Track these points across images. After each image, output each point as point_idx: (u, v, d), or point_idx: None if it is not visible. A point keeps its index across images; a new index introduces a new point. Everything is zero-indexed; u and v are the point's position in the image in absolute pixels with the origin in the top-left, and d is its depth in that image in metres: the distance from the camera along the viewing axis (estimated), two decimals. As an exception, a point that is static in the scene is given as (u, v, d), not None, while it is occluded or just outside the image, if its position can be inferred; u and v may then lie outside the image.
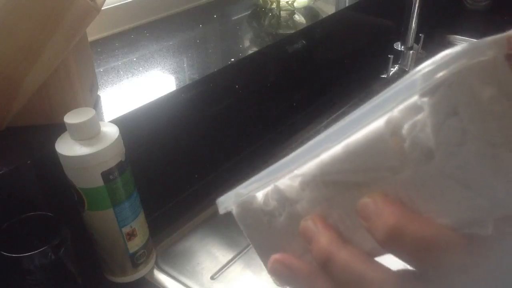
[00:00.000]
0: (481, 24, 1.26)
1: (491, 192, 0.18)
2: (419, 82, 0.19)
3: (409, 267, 0.21)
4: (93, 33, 0.81)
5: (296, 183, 0.25)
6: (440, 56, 0.18)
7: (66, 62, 0.56)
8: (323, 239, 0.23)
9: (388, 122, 0.20)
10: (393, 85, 0.20)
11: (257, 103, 0.85)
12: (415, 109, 0.19)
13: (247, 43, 0.85)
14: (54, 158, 0.51)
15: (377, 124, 0.21)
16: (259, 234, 0.27)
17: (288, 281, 0.26)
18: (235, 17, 0.95)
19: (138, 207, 0.58)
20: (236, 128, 0.82)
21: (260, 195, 0.27)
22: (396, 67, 1.07)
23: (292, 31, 0.87)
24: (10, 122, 0.58)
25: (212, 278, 0.66)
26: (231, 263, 0.68)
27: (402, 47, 1.06)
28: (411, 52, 1.06)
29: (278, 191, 0.26)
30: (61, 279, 0.52)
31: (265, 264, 0.27)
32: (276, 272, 0.26)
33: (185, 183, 0.77)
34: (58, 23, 0.52)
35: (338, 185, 0.23)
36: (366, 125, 0.21)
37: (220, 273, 0.67)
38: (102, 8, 0.55)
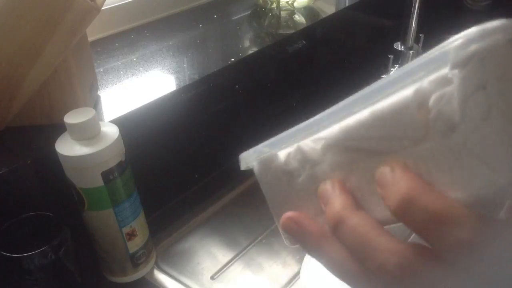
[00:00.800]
0: (481, 24, 1.26)
1: (510, 171, 0.18)
2: (452, 53, 0.19)
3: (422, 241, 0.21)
4: (93, 33, 0.81)
5: (318, 146, 0.25)
6: (474, 29, 0.18)
7: (66, 62, 0.56)
8: (338, 202, 0.24)
9: (416, 92, 0.20)
10: (424, 55, 0.20)
11: (257, 103, 0.85)
12: (445, 81, 0.19)
13: (247, 43, 0.85)
14: (54, 158, 0.51)
15: (405, 93, 0.21)
16: (276, 192, 0.28)
17: (299, 240, 0.27)
18: (235, 17, 0.95)
19: (138, 207, 0.58)
20: (236, 128, 0.82)
21: (282, 154, 0.27)
22: (396, 67, 1.07)
23: (292, 31, 0.87)
24: (10, 122, 0.58)
25: (212, 278, 0.66)
26: (231, 263, 0.68)
27: (402, 47, 1.06)
28: (411, 52, 1.06)
29: (300, 152, 0.26)
30: (61, 279, 0.52)
31: (278, 221, 0.27)
32: (288, 229, 0.27)
33: (185, 183, 0.77)
34: (58, 23, 0.52)
35: (360, 152, 0.23)
36: (394, 93, 0.21)
37: (220, 273, 0.67)
38: (102, 8, 0.55)
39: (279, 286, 0.65)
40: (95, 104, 0.65)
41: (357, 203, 0.24)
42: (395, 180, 0.21)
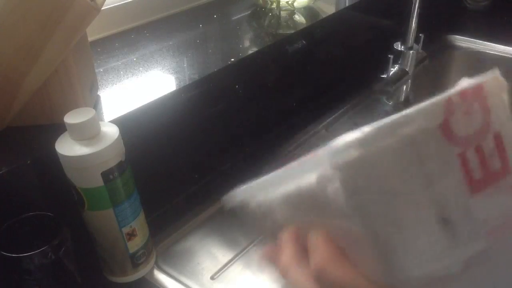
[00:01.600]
0: (481, 24, 1.26)
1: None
2: (330, 157, 0.22)
3: None
4: (93, 33, 0.81)
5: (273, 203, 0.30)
6: (345, 139, 0.21)
7: (66, 62, 0.56)
8: (285, 254, 0.30)
9: (317, 181, 0.24)
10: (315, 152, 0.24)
11: (257, 103, 0.85)
12: (331, 176, 0.22)
13: (247, 43, 0.85)
14: (54, 158, 0.51)
15: (311, 179, 0.24)
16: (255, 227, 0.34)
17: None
18: (235, 17, 0.95)
19: (138, 207, 0.58)
20: (236, 128, 0.82)
21: (253, 203, 0.33)
22: (396, 67, 1.07)
23: (292, 31, 0.87)
24: (10, 122, 0.59)
25: (212, 278, 0.66)
26: (231, 263, 0.68)
27: (402, 47, 1.06)
28: (411, 52, 1.06)
29: (263, 205, 0.31)
30: (61, 279, 0.52)
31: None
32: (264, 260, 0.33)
33: (185, 183, 0.77)
34: (58, 23, 0.52)
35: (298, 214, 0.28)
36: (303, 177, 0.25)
37: (220, 273, 0.67)
38: (102, 8, 0.55)
39: (279, 286, 0.65)
40: (95, 104, 0.65)
41: (302, 253, 0.28)
42: (315, 248, 0.26)
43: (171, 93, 0.67)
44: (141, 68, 0.73)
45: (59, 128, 0.53)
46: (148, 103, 0.64)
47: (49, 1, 0.51)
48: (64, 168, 0.52)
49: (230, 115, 0.80)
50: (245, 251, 0.70)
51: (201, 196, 0.76)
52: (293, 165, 0.28)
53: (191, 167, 0.77)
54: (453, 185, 0.21)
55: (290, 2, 0.95)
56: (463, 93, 0.21)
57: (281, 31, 0.89)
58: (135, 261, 0.59)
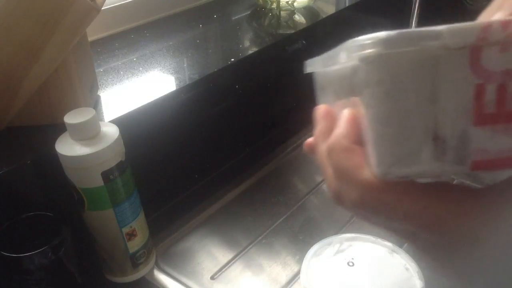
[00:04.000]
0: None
1: (375, 161, 0.23)
2: (358, 50, 0.23)
3: None
4: (93, 33, 0.81)
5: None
6: (374, 35, 0.22)
7: (66, 62, 0.56)
8: (317, 129, 0.29)
9: (350, 66, 0.25)
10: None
11: (257, 103, 0.85)
12: (355, 67, 0.24)
13: (247, 43, 0.85)
14: (54, 158, 0.51)
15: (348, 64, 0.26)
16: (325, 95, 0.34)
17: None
18: (235, 17, 0.95)
19: (138, 207, 0.58)
20: (236, 128, 0.82)
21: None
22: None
23: (292, 31, 0.87)
24: (10, 122, 0.59)
25: (212, 278, 0.66)
26: (231, 263, 0.68)
27: (402, 47, 1.06)
28: (411, 52, 1.05)
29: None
30: (61, 279, 0.52)
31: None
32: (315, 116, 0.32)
33: (185, 183, 0.77)
34: (58, 23, 0.52)
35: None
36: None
37: (220, 273, 0.67)
38: (102, 8, 0.55)
39: (279, 286, 0.65)
40: (95, 104, 0.65)
41: (331, 129, 0.27)
42: (337, 126, 0.26)
43: (171, 93, 0.67)
44: (141, 68, 0.73)
45: (59, 128, 0.53)
46: (148, 103, 0.64)
47: (49, 1, 0.51)
48: (64, 168, 0.52)
49: (230, 115, 0.80)
50: (245, 251, 0.70)
51: (201, 196, 0.76)
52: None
53: (191, 167, 0.77)
54: (459, 110, 0.21)
55: (290, 2, 0.95)
56: (505, 23, 0.20)
57: (281, 31, 0.89)
58: (135, 261, 0.59)
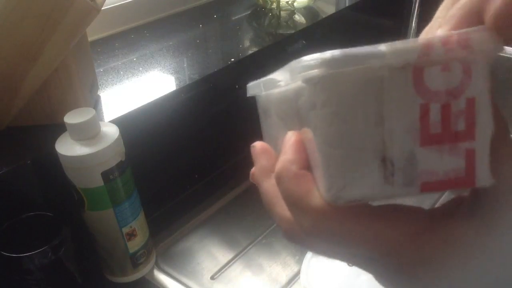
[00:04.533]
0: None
1: (324, 185, 0.23)
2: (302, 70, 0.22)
3: None
4: (93, 33, 0.81)
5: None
6: (315, 56, 0.21)
7: (66, 62, 0.56)
8: (256, 165, 0.28)
9: (295, 89, 0.24)
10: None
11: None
12: (302, 88, 0.23)
13: (247, 43, 0.85)
14: (54, 158, 0.51)
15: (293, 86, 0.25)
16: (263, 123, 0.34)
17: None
18: (235, 17, 0.95)
19: (138, 207, 0.58)
20: (236, 128, 0.82)
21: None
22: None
23: (292, 31, 0.87)
24: (10, 122, 0.59)
25: (212, 278, 0.66)
26: (231, 263, 0.68)
27: (402, 47, 1.06)
28: (411, 52, 1.06)
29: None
30: (61, 279, 0.52)
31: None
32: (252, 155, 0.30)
33: (185, 183, 0.77)
34: (58, 23, 0.52)
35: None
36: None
37: (220, 273, 0.67)
38: (102, 8, 0.55)
39: (279, 286, 0.65)
40: (95, 104, 0.65)
41: (271, 167, 0.27)
42: (283, 149, 0.25)
43: (171, 93, 0.67)
44: (141, 68, 0.73)
45: (59, 128, 0.53)
46: (148, 103, 0.64)
47: (49, 1, 0.51)
48: (64, 168, 0.52)
49: (230, 115, 0.80)
50: (245, 251, 0.70)
51: (201, 196, 0.76)
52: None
53: (191, 167, 0.77)
54: (405, 130, 0.21)
55: (290, 2, 0.95)
56: (445, 40, 0.20)
57: (281, 31, 0.89)
58: (135, 261, 0.59)
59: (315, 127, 0.22)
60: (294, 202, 0.24)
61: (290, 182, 0.24)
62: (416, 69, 0.20)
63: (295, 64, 0.22)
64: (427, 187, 0.21)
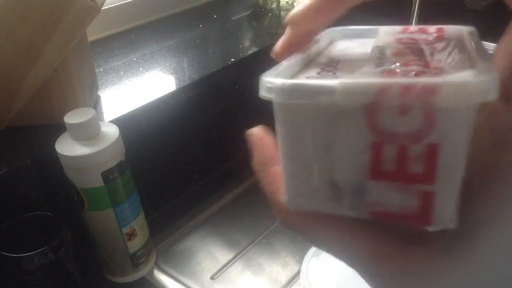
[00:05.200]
0: (481, 24, 1.26)
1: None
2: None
3: None
4: (93, 33, 0.81)
5: None
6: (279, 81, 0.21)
7: (66, 62, 0.56)
8: (255, 156, 0.28)
9: None
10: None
11: (257, 103, 0.85)
12: None
13: (247, 43, 0.85)
14: (54, 158, 0.51)
15: None
16: None
17: None
18: (235, 17, 0.95)
19: (138, 207, 0.58)
20: (236, 128, 0.82)
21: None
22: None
23: (292, 31, 0.87)
24: (10, 122, 0.59)
25: (212, 278, 0.66)
26: (231, 263, 0.68)
27: (402, 47, 1.06)
28: (411, 52, 1.05)
29: None
30: (61, 279, 0.52)
31: None
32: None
33: (185, 183, 0.77)
34: (58, 23, 0.52)
35: None
36: None
37: (220, 273, 0.67)
38: (102, 8, 0.55)
39: (279, 286, 0.65)
40: (95, 104, 0.65)
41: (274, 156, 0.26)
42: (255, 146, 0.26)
43: (171, 93, 0.67)
44: (141, 68, 0.73)
45: (59, 128, 0.53)
46: (148, 103, 0.64)
47: (49, 1, 0.51)
48: (64, 168, 0.52)
49: (230, 115, 0.80)
50: (245, 251, 0.70)
51: (201, 196, 0.76)
52: None
53: (191, 167, 0.77)
54: (353, 164, 0.20)
55: (290, 2, 0.95)
56: (406, 88, 0.18)
57: (281, 31, 0.89)
58: (135, 261, 0.59)
59: (278, 136, 0.22)
60: (269, 197, 0.25)
61: (265, 179, 0.25)
62: (370, 110, 0.19)
63: (262, 77, 0.22)
64: (376, 215, 0.21)
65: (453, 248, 0.20)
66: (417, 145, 0.19)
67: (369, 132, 0.19)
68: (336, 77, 0.22)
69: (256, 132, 0.28)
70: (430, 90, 0.17)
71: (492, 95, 0.17)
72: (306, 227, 0.23)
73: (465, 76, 0.18)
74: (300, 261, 0.66)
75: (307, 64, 0.27)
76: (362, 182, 0.20)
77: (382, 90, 0.18)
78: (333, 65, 0.25)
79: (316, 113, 0.20)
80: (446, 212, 0.20)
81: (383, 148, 0.20)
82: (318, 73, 0.24)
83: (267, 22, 0.93)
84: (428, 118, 0.18)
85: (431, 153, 0.19)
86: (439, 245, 0.20)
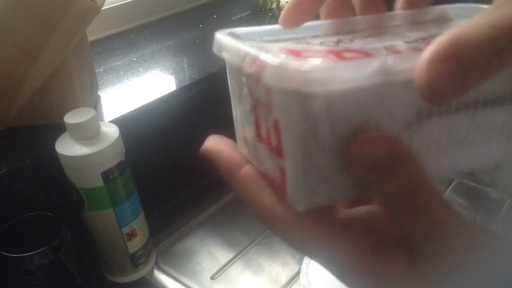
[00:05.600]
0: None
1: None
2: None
3: None
4: (93, 33, 0.81)
5: None
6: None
7: (66, 62, 0.56)
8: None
9: None
10: None
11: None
12: None
13: (247, 43, 0.85)
14: (54, 158, 0.51)
15: None
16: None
17: None
18: (235, 17, 0.95)
19: (138, 207, 0.58)
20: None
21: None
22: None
23: (292, 31, 0.87)
24: (10, 122, 0.59)
25: (212, 278, 0.66)
26: (231, 263, 0.68)
27: (402, 47, 1.06)
28: (411, 52, 1.05)
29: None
30: (61, 279, 0.52)
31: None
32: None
33: (185, 183, 0.77)
34: (58, 23, 0.52)
35: None
36: None
37: (220, 273, 0.67)
38: (102, 8, 0.55)
39: (279, 286, 0.65)
40: (95, 104, 0.65)
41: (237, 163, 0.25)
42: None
43: (171, 93, 0.67)
44: (141, 68, 0.73)
45: (59, 128, 0.53)
46: (148, 103, 0.64)
47: (49, 1, 0.51)
48: (64, 168, 0.52)
49: (230, 115, 0.80)
50: (245, 251, 0.70)
51: (201, 196, 0.76)
52: None
53: (191, 167, 0.77)
54: (247, 122, 0.23)
55: (290, 2, 0.95)
56: (254, 59, 0.18)
57: (281, 31, 0.89)
58: (135, 261, 0.59)
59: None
60: (250, 201, 0.24)
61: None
62: (244, 74, 0.20)
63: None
64: (262, 175, 0.22)
65: (419, 260, 0.19)
66: (271, 117, 0.19)
67: (249, 94, 0.21)
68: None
69: (209, 145, 0.27)
70: (261, 67, 0.17)
71: (316, 87, 0.16)
72: (293, 229, 0.21)
73: (288, 59, 0.17)
74: (300, 261, 0.65)
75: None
76: (254, 143, 0.22)
77: (243, 57, 0.19)
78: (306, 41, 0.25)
79: (230, 70, 0.23)
80: (294, 192, 0.19)
81: (258, 113, 0.20)
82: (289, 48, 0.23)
83: (267, 22, 0.93)
84: (268, 93, 0.18)
85: (277, 128, 0.19)
86: (408, 254, 0.20)
